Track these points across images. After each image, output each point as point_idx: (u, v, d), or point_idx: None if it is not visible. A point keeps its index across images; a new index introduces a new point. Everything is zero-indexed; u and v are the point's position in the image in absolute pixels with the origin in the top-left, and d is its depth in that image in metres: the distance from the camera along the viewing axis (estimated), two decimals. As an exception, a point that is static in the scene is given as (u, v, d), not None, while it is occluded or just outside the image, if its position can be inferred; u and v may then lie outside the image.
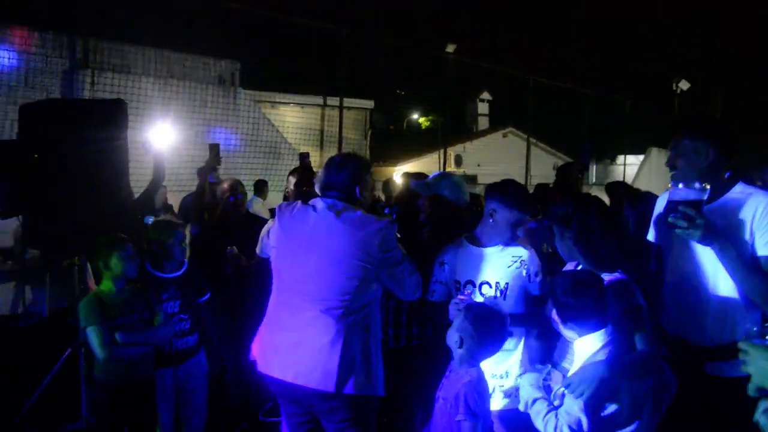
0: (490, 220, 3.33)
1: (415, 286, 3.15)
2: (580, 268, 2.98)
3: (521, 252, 3.37)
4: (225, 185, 5.10)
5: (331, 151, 13.16)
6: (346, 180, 3.12)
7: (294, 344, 2.99)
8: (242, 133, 12.31)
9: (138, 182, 5.94)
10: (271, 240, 3.27)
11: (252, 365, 3.18)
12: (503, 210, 3.30)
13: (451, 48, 16.12)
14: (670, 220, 2.55)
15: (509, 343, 3.20)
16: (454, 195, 3.88)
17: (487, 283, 3.34)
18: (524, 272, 3.32)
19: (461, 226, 3.66)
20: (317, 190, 3.23)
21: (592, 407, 2.59)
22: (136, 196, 5.26)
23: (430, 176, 4.18)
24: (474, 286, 3.34)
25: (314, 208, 3.11)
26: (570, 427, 2.59)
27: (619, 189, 6.71)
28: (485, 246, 3.39)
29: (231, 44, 12.51)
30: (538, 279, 3.34)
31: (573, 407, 2.60)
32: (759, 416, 1.95)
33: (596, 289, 2.66)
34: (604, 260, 2.87)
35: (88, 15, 9.84)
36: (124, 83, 10.27)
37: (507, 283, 3.31)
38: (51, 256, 5.25)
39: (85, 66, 10.24)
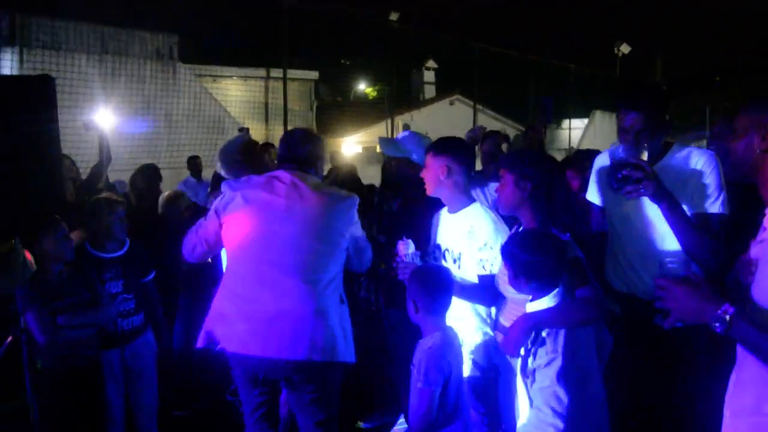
0: (445, 179, 3.15)
1: (371, 255, 3.32)
2: (521, 229, 2.93)
3: (474, 217, 3.13)
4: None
5: (277, 124, 12.95)
6: (308, 154, 3.15)
7: (273, 317, 2.89)
8: (183, 109, 12.00)
9: (80, 163, 5.74)
10: (222, 213, 3.10)
11: (206, 346, 3.04)
12: (458, 168, 3.15)
13: (394, 16, 16.00)
14: (619, 177, 2.57)
15: (460, 311, 3.16)
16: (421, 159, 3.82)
17: (448, 249, 3.23)
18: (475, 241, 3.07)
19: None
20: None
21: (565, 374, 2.51)
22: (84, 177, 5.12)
23: (398, 136, 4.15)
24: (440, 251, 3.28)
25: (278, 179, 3.05)
26: (549, 405, 2.52)
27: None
28: (450, 210, 3.26)
29: (168, 16, 12.11)
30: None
31: (545, 381, 2.53)
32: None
33: (558, 247, 2.59)
34: (554, 217, 2.83)
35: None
36: (56, 60, 9.85)
37: (460, 252, 3.15)
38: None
39: (12, 43, 9.78)
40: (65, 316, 3.40)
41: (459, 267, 3.14)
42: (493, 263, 3.01)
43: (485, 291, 3.03)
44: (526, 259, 2.55)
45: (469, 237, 3.07)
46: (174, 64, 12.35)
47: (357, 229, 3.14)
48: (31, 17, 10.33)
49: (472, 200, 3.21)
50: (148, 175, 5.49)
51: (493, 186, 3.61)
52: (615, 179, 2.63)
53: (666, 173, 2.77)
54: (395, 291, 3.62)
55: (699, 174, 2.82)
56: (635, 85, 3.00)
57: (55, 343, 3.36)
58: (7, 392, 4.25)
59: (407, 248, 3.11)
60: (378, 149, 14.19)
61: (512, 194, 2.85)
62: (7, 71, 9.52)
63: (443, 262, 3.23)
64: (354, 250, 3.15)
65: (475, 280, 3.08)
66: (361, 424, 4.63)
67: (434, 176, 3.17)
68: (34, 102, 4.08)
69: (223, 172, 3.96)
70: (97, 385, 3.56)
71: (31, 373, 3.78)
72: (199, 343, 3.04)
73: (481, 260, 3.04)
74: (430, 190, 3.23)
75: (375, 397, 4.74)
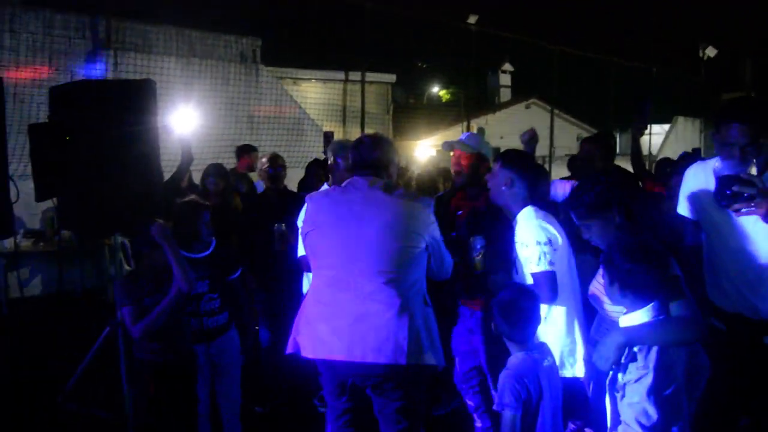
0: (507, 190, 3.38)
1: (451, 262, 3.27)
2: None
3: (519, 220, 3.35)
4: (264, 158, 5.14)
5: (354, 127, 13.11)
6: (379, 159, 3.18)
7: (356, 321, 2.92)
8: (265, 111, 12.28)
9: (165, 163, 5.98)
10: (305, 226, 3.22)
11: (294, 352, 3.11)
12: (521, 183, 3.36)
13: (472, 19, 15.93)
14: (728, 194, 2.49)
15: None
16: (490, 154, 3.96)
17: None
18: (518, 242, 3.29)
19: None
20: (347, 169, 3.26)
21: (655, 391, 2.47)
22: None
23: (462, 137, 4.21)
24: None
25: (354, 185, 3.12)
26: (637, 421, 2.48)
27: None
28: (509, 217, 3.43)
29: (251, 21, 12.41)
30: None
31: (634, 397, 2.50)
32: None
33: (660, 259, 2.53)
34: (635, 230, 2.80)
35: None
36: (146, 63, 10.27)
37: (516, 255, 3.33)
38: (84, 238, 5.31)
39: (108, 47, 10.25)
40: (153, 300, 3.51)
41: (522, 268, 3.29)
42: (534, 260, 3.17)
43: (538, 288, 3.12)
44: (626, 268, 2.51)
45: (516, 239, 3.30)
46: (257, 66, 12.65)
47: (435, 230, 3.12)
48: (125, 22, 10.78)
49: (525, 206, 3.38)
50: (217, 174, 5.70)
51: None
52: (723, 195, 2.53)
53: None
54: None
55: None
56: (740, 102, 2.89)
57: (147, 336, 3.48)
58: (104, 383, 4.49)
59: (479, 243, 3.33)
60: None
61: (597, 231, 2.94)
62: (102, 73, 9.97)
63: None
64: (433, 252, 3.12)
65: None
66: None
67: (497, 185, 3.42)
68: (139, 103, 4.28)
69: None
70: (189, 379, 3.66)
71: (127, 365, 3.97)
72: (288, 349, 3.12)
73: (525, 258, 3.22)
74: (492, 196, 3.48)
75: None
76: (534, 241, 3.18)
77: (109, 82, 7.37)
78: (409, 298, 2.95)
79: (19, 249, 7.49)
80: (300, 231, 3.37)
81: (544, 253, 3.15)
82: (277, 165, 5.10)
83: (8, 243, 7.37)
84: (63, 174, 3.92)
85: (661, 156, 16.21)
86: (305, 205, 3.28)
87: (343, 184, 3.18)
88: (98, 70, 10.05)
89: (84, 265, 7.43)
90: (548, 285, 3.14)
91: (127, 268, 4.38)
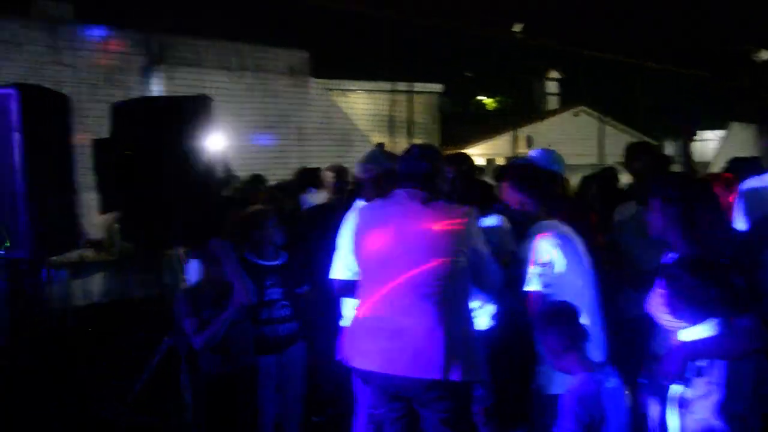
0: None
1: (498, 275, 3.23)
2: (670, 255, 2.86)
3: None
4: (330, 170, 5.20)
5: (401, 137, 13.16)
6: (426, 171, 3.15)
7: (394, 334, 2.95)
8: (314, 122, 12.45)
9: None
10: (355, 237, 3.25)
11: (341, 360, 3.16)
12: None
13: (518, 27, 15.88)
14: None
15: None
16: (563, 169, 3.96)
17: None
18: None
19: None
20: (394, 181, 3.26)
21: (723, 407, 2.43)
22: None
23: (533, 153, 4.20)
24: None
25: (396, 199, 3.14)
26: None
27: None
28: None
29: (300, 34, 12.60)
30: None
31: (701, 413, 2.45)
32: None
33: (721, 275, 2.49)
34: (704, 241, 2.74)
35: (161, 11, 10.10)
36: (198, 77, 10.53)
37: None
38: (146, 249, 5.46)
39: (161, 62, 10.53)
40: (213, 313, 3.58)
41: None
42: (529, 279, 3.24)
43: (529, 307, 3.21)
44: (686, 284, 2.48)
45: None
46: (306, 79, 12.82)
47: (478, 243, 3.08)
48: (177, 37, 11.06)
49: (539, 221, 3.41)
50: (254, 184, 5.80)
51: None
52: None
53: None
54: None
55: None
56: None
57: (209, 348, 3.56)
58: (166, 393, 4.58)
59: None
60: (498, 161, 14.10)
61: (659, 219, 2.82)
62: (157, 89, 10.26)
63: None
64: (475, 265, 3.07)
65: None
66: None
67: (513, 203, 3.47)
68: (197, 118, 4.41)
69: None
70: (251, 391, 3.72)
71: (189, 376, 4.05)
72: (338, 356, 3.18)
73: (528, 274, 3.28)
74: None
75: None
76: (534, 259, 3.22)
77: (167, 98, 7.60)
78: (447, 311, 2.95)
79: (84, 259, 7.76)
80: (340, 247, 3.43)
81: (538, 275, 3.20)
82: (343, 178, 5.17)
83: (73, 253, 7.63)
84: (125, 187, 4.05)
85: (717, 162, 15.80)
86: (349, 220, 3.33)
87: (388, 197, 3.20)
88: (153, 84, 10.34)
89: (143, 275, 7.62)
90: (537, 305, 3.15)
91: (184, 279, 4.47)
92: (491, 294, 3.40)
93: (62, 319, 6.84)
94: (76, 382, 5.31)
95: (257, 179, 5.90)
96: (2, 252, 3.44)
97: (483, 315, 3.50)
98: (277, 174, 8.69)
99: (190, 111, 4.51)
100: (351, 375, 3.37)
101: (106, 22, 10.51)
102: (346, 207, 5.19)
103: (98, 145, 4.36)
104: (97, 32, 10.25)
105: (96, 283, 7.95)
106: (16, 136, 3.53)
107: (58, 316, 6.67)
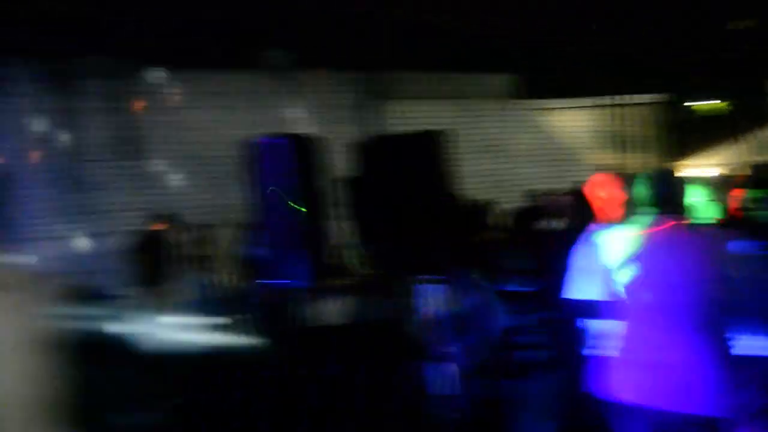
0: None
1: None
2: None
3: None
4: (568, 197, 5.29)
5: (623, 153, 12.74)
6: (672, 194, 3.14)
7: (668, 366, 2.91)
8: (528, 144, 12.53)
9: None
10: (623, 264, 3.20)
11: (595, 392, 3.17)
12: None
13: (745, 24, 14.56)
14: None
15: None
16: None
17: None
18: None
19: None
20: (638, 205, 3.26)
21: None
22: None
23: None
24: None
25: (658, 225, 3.11)
26: None
27: None
28: None
29: (507, 59, 12.72)
30: None
31: None
32: None
33: None
34: None
35: (386, 51, 10.76)
36: (420, 109, 11.14)
37: None
38: (394, 276, 5.90)
39: (387, 97, 11.30)
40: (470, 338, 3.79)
41: None
42: None
43: None
44: None
45: None
46: (516, 102, 12.97)
47: (730, 269, 2.98)
48: (399, 73, 11.76)
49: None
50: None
51: None
52: None
53: None
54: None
55: None
56: None
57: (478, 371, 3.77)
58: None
59: None
60: (743, 172, 12.96)
61: None
62: (384, 122, 10.99)
63: None
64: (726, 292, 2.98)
65: None
66: None
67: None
68: (428, 154, 4.72)
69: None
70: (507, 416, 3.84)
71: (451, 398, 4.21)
72: (589, 388, 3.18)
73: None
74: None
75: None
76: None
77: (401, 136, 8.14)
78: (717, 344, 2.91)
79: (326, 284, 8.55)
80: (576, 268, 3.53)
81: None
82: (583, 203, 5.24)
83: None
84: (379, 221, 4.46)
85: None
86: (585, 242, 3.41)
87: (651, 224, 3.16)
88: (381, 120, 11.13)
89: (380, 299, 8.18)
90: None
91: (429, 305, 4.77)
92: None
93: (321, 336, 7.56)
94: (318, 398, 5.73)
95: (484, 206, 6.10)
96: (290, 281, 3.97)
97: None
98: (499, 198, 8.91)
99: (423, 146, 4.84)
100: (600, 407, 3.25)
101: (327, 65, 11.40)
102: (582, 231, 5.23)
103: (350, 183, 4.84)
104: (326, 75, 11.24)
105: (340, 305, 8.66)
106: (295, 179, 4.04)
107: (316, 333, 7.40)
